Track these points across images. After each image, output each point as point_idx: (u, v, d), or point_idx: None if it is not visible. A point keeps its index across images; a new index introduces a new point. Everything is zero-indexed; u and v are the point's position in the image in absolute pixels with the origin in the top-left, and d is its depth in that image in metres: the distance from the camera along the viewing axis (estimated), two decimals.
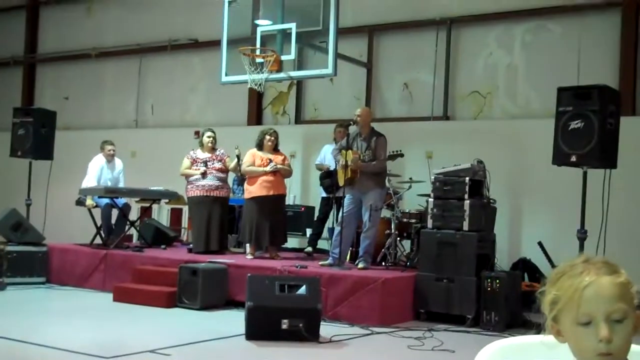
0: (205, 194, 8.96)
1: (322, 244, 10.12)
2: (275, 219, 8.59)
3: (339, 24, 9.11)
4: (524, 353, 1.89)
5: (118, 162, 10.03)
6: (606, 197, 6.70)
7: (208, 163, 9.06)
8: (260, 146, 8.79)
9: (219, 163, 9.12)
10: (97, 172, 9.68)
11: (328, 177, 9.36)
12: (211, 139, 9.18)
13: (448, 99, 10.70)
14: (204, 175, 8.96)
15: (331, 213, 9.75)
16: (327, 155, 9.84)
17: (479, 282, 7.22)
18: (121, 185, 9.87)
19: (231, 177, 9.79)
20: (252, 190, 8.62)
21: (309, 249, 9.62)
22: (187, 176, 9.13)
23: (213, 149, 9.21)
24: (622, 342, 1.52)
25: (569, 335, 1.60)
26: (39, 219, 9.85)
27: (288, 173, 8.89)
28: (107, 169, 9.79)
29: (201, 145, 9.22)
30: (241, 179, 9.79)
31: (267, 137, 8.76)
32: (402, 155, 8.74)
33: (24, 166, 10.15)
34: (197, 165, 9.07)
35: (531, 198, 9.77)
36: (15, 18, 15.63)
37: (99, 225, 9.57)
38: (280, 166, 8.65)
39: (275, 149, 8.85)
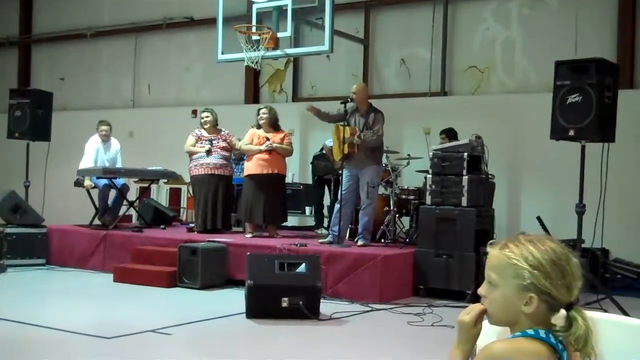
0: (209, 173, 8.91)
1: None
2: (272, 197, 8.50)
3: (335, 0, 9.05)
4: None
5: (115, 142, 9.97)
6: (604, 171, 6.68)
7: (213, 141, 9.01)
8: (259, 125, 8.73)
9: (224, 142, 9.06)
10: (93, 152, 9.64)
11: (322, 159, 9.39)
12: (205, 118, 9.10)
13: (445, 75, 10.66)
14: (208, 153, 8.92)
15: (326, 193, 9.81)
16: None
17: (478, 258, 7.24)
18: (119, 165, 9.84)
19: None
20: (249, 168, 8.58)
21: (324, 230, 9.63)
22: (191, 153, 9.06)
23: (215, 128, 9.13)
24: (490, 304, 1.80)
25: None
26: (38, 201, 9.86)
27: (287, 152, 8.70)
28: (102, 149, 9.75)
29: (201, 125, 9.18)
30: (239, 158, 9.78)
31: (259, 114, 8.69)
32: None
33: (21, 148, 10.12)
34: (201, 143, 9.02)
35: (530, 173, 9.77)
36: None
37: (97, 205, 9.57)
38: (277, 145, 8.52)
39: (275, 127, 8.75)
